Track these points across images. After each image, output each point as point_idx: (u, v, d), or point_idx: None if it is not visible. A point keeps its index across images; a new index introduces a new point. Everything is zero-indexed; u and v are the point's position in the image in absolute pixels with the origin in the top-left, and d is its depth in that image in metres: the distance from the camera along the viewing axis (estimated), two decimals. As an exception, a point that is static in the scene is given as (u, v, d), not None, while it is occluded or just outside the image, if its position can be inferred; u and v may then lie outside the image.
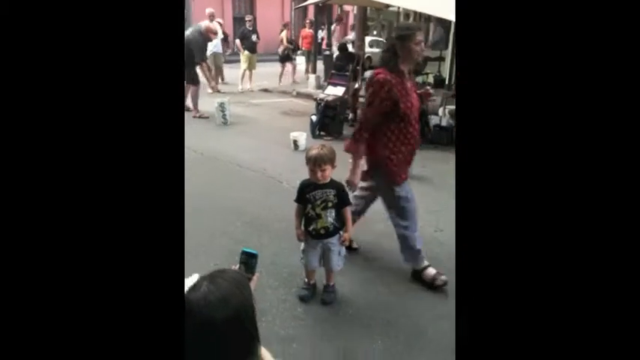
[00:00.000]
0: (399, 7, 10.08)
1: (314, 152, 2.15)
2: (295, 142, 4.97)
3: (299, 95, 8.73)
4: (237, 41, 8.85)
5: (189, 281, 0.96)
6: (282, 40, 9.77)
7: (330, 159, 2.15)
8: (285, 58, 9.63)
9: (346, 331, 2.19)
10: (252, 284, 1.21)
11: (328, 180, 2.20)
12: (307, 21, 10.48)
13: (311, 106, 7.43)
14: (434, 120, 5.57)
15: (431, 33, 9.65)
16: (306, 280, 2.46)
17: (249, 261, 1.31)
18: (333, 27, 10.00)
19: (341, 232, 2.29)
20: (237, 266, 1.31)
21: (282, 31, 9.94)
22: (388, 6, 8.89)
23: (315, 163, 2.14)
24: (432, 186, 4.18)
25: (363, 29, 9.28)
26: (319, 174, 2.15)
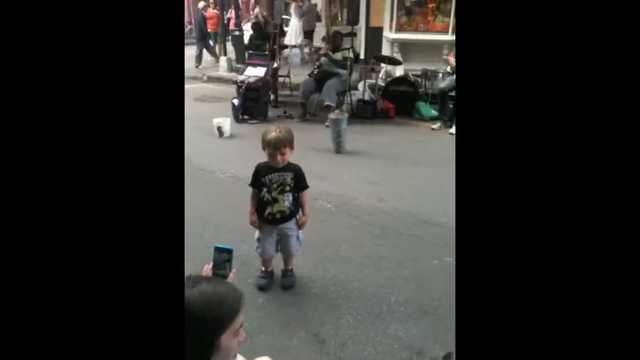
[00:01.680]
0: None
1: (273, 135, 2.01)
2: (219, 128, 4.69)
3: (210, 80, 8.26)
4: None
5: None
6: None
7: (289, 141, 2.03)
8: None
9: (312, 311, 2.14)
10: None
11: (286, 163, 2.08)
12: (211, 1, 9.84)
13: (224, 89, 7.08)
14: (357, 95, 5.65)
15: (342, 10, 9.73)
16: (262, 268, 2.34)
17: (222, 257, 1.16)
18: (293, 5, 9.35)
19: (297, 216, 2.20)
20: (210, 264, 1.16)
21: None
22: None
23: (276, 146, 2.00)
24: (367, 158, 4.26)
25: (271, 7, 9.03)
26: (279, 157, 2.03)
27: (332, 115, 4.20)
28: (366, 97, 5.58)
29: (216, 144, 4.63)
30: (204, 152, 4.33)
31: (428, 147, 4.59)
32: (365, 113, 5.42)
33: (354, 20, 8.16)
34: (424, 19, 7.91)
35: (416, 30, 7.43)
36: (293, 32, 9.05)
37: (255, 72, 5.30)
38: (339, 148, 4.20)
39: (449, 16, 7.73)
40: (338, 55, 5.30)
